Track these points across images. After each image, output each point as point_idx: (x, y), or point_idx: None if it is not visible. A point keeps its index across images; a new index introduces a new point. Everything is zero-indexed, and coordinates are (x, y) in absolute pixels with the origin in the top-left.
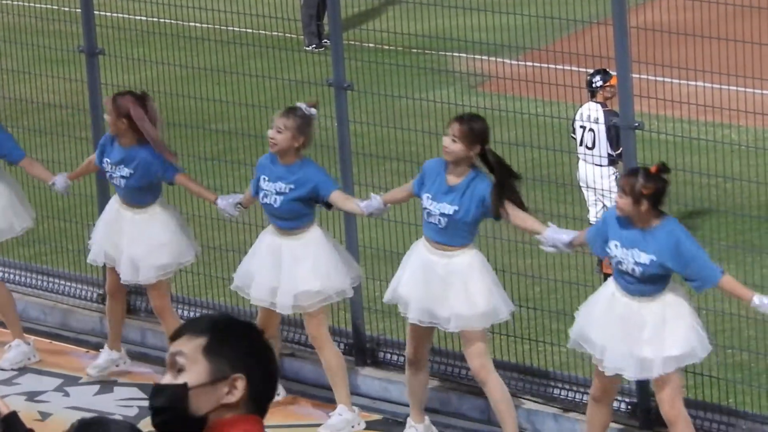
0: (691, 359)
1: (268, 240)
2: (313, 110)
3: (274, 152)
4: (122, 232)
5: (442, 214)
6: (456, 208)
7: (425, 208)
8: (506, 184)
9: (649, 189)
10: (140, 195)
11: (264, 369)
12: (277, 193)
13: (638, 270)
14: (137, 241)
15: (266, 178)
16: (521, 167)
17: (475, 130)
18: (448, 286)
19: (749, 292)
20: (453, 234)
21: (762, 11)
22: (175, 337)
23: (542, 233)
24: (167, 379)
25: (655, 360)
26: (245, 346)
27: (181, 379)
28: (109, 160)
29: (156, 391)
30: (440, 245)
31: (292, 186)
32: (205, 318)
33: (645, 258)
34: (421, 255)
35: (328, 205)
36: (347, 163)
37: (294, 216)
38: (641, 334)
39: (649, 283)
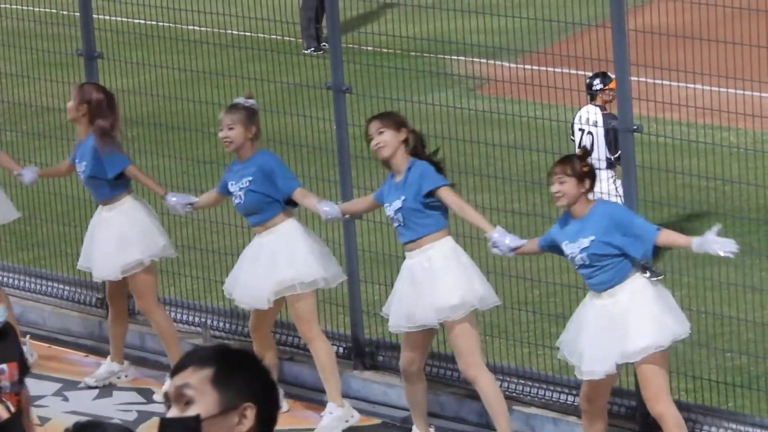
0: (654, 349)
1: (251, 244)
2: (252, 101)
3: (231, 150)
4: (93, 233)
5: (396, 211)
6: (403, 197)
7: (389, 217)
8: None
9: (587, 167)
10: (100, 188)
11: (269, 394)
12: (241, 189)
13: (585, 256)
14: (105, 238)
15: (233, 183)
16: (520, 170)
17: (391, 115)
18: (424, 283)
19: (688, 239)
20: (413, 225)
21: (760, 14)
22: (177, 370)
23: (489, 233)
24: (174, 412)
25: (622, 353)
26: (251, 374)
27: (191, 412)
28: (77, 160)
29: (165, 426)
30: (411, 243)
31: (251, 178)
32: (206, 349)
33: (586, 241)
34: (404, 266)
35: (292, 202)
36: (346, 166)
37: (260, 208)
38: (612, 331)
39: (603, 269)
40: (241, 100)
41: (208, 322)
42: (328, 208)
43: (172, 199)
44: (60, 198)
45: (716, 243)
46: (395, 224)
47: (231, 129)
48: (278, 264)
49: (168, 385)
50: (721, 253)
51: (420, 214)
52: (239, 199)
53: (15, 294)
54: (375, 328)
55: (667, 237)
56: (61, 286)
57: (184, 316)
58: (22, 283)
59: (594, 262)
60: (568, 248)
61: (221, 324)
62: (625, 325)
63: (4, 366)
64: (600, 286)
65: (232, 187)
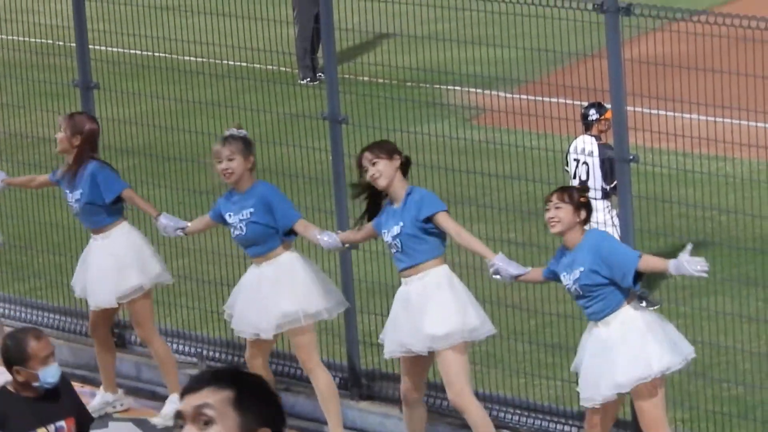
0: (644, 378)
1: (250, 272)
2: (243, 131)
3: (232, 181)
4: (88, 260)
5: (394, 237)
6: (401, 223)
7: (387, 243)
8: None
9: (585, 198)
10: (96, 215)
11: (281, 421)
12: (241, 221)
13: (578, 287)
14: (100, 265)
15: (231, 214)
16: (516, 200)
17: (386, 146)
18: (416, 309)
19: (666, 262)
20: (410, 252)
21: (756, 44)
22: (191, 390)
23: (490, 259)
24: (193, 431)
25: (614, 384)
26: (266, 399)
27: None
28: (66, 190)
29: None
30: (408, 269)
31: (252, 210)
32: (222, 371)
33: (577, 272)
34: (399, 291)
35: (292, 232)
36: (342, 196)
37: (262, 239)
38: (605, 360)
39: (595, 300)
40: (233, 131)
41: (204, 352)
42: (328, 239)
43: (163, 220)
44: (56, 228)
45: (689, 263)
46: (393, 250)
47: (231, 160)
48: (281, 295)
49: (180, 404)
50: (695, 273)
51: (418, 240)
52: (240, 231)
53: (11, 324)
54: (371, 358)
55: (647, 262)
56: (58, 317)
57: (180, 347)
58: (18, 313)
59: (586, 292)
60: (565, 279)
61: (217, 354)
62: (615, 355)
63: (62, 423)
64: (595, 316)
65: (231, 218)
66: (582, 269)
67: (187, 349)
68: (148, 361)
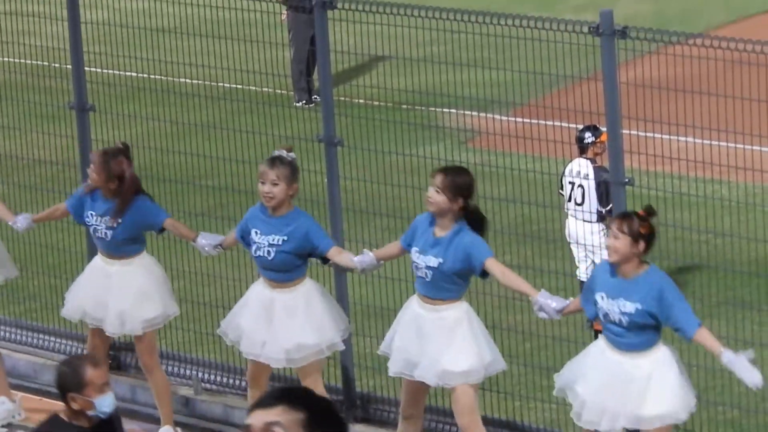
0: (671, 420)
1: (259, 292)
2: (293, 154)
3: (271, 206)
4: (109, 288)
5: (428, 267)
6: (441, 260)
7: (414, 262)
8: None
9: (645, 228)
10: (126, 246)
11: None
12: (270, 246)
13: (624, 320)
14: (124, 292)
15: (258, 231)
16: (511, 223)
17: (458, 183)
18: (432, 341)
19: (720, 348)
20: (439, 287)
21: (751, 66)
22: (264, 406)
23: (533, 297)
24: None
25: (636, 417)
26: (336, 423)
27: None
28: (93, 212)
29: None
30: (429, 299)
31: (285, 238)
32: (297, 391)
33: (630, 307)
34: (412, 310)
35: (325, 260)
36: (337, 218)
37: (288, 268)
38: (626, 391)
39: (636, 334)
40: (282, 152)
41: (199, 374)
42: (364, 258)
43: (201, 240)
44: (51, 250)
45: (746, 370)
46: (419, 274)
47: (275, 185)
48: (297, 325)
49: (250, 418)
50: (746, 382)
51: (451, 280)
52: (265, 254)
53: (7, 347)
54: (367, 380)
55: (703, 336)
56: (53, 339)
57: (175, 369)
58: (13, 335)
59: (631, 327)
60: (604, 302)
61: (212, 377)
62: (643, 390)
63: None
64: (625, 346)
65: (258, 237)
66: (638, 307)
67: (182, 371)
68: (143, 383)
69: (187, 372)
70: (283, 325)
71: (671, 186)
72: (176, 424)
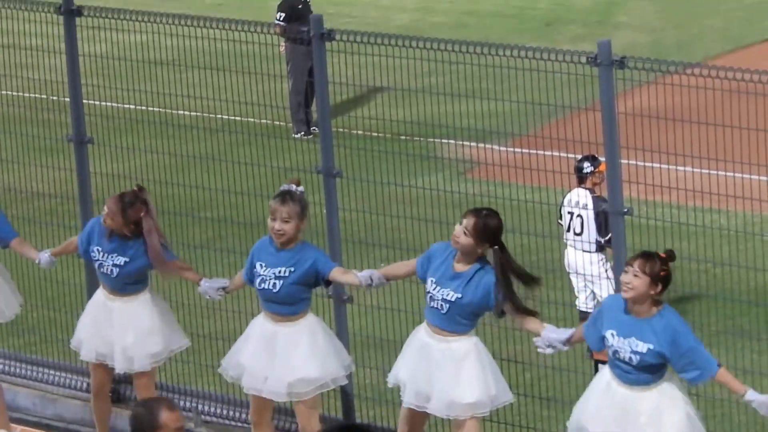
0: None
1: (261, 326)
2: (302, 188)
3: (282, 242)
4: (112, 324)
5: (445, 300)
6: (459, 295)
7: (428, 292)
8: (507, 285)
9: (665, 271)
10: (132, 283)
11: None
12: (277, 278)
13: (636, 359)
14: (129, 329)
15: (263, 264)
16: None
17: (488, 228)
18: (441, 371)
19: (743, 386)
20: (454, 320)
21: (749, 96)
22: None
23: (540, 334)
24: None
25: None
26: None
27: None
28: (100, 248)
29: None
30: (440, 330)
31: (292, 269)
32: (359, 428)
33: (643, 347)
34: (420, 338)
35: (328, 282)
36: (336, 249)
37: (293, 300)
38: (637, 424)
39: (645, 372)
40: (292, 187)
41: (199, 406)
42: (368, 274)
43: (204, 285)
44: (50, 283)
45: None
46: (432, 304)
47: (286, 222)
48: (301, 358)
49: None
50: None
51: (465, 316)
52: (271, 287)
53: (6, 380)
54: (366, 411)
55: (724, 377)
56: (53, 372)
57: (175, 401)
58: (13, 369)
59: (641, 366)
60: (614, 340)
61: (212, 409)
62: (654, 425)
63: None
64: (632, 382)
65: (262, 269)
66: (651, 347)
67: (181, 403)
68: None
69: (187, 404)
70: (286, 358)
71: (670, 215)
72: None
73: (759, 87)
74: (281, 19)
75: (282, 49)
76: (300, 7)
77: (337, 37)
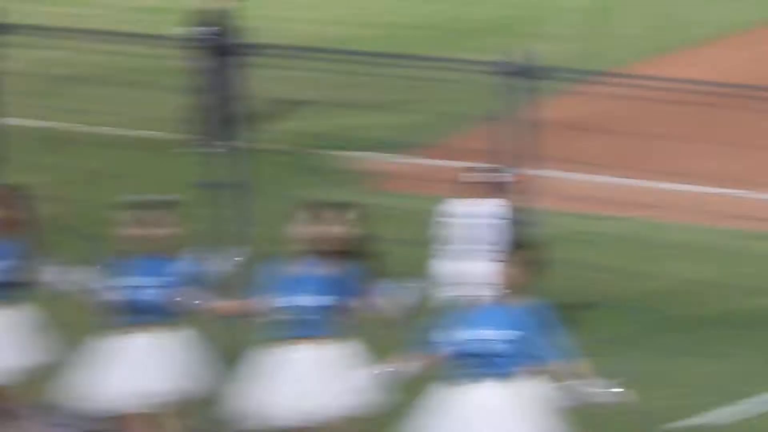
0: None
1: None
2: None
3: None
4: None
5: None
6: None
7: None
8: None
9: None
10: (8, 289)
11: None
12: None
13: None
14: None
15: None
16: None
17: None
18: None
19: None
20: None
21: (661, 104)
22: None
23: None
24: None
25: None
26: None
27: None
28: None
29: None
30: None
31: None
32: None
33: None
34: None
35: None
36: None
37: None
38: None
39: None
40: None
41: None
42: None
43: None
44: None
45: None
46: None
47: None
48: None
49: None
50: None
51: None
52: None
53: None
54: None
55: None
56: None
57: None
58: None
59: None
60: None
61: None
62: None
63: None
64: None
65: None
66: (505, 333)
67: None
68: None
69: None
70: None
71: (573, 224)
72: None
73: (667, 95)
74: (199, 32)
75: (190, 63)
76: (218, 20)
77: (245, 51)
